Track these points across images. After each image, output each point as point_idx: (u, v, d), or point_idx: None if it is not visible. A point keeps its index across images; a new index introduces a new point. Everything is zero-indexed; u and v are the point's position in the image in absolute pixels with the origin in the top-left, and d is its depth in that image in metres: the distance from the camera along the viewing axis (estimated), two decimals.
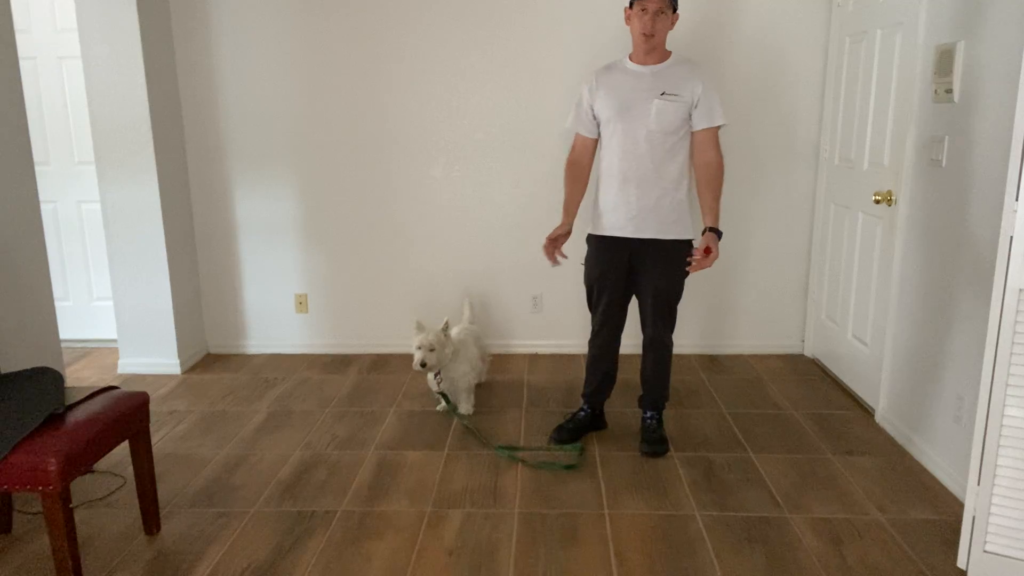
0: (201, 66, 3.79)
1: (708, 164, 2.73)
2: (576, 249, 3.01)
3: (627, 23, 2.74)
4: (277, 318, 4.08)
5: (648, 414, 2.99)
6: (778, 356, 3.97)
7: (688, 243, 2.79)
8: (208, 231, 3.99)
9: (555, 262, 2.86)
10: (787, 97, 3.72)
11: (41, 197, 3.69)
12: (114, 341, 4.11)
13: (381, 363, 3.94)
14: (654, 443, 2.88)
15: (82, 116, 3.95)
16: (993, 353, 1.97)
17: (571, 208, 2.91)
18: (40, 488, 1.93)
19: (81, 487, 2.67)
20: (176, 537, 2.36)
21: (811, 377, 3.68)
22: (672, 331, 2.91)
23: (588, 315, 3.03)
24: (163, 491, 2.63)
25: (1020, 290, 1.91)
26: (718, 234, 2.70)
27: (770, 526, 2.39)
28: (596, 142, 2.88)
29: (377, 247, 3.98)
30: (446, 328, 3.11)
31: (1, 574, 2.19)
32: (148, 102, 3.53)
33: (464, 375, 3.20)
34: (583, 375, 3.10)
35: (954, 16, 2.61)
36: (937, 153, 2.69)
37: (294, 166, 3.90)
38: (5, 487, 1.94)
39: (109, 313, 4.13)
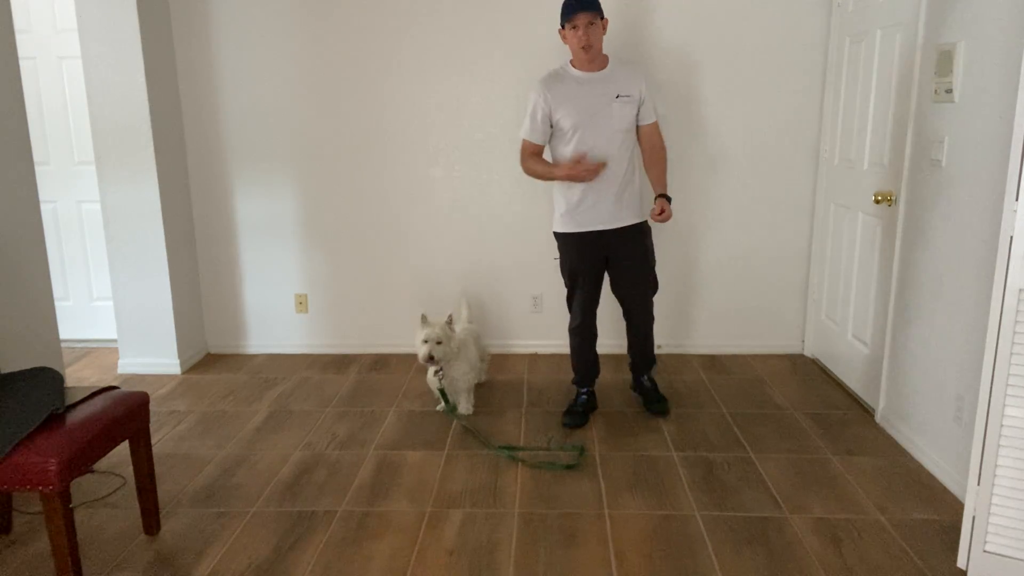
0: (201, 66, 3.79)
1: (655, 148, 3.08)
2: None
3: (564, 42, 2.99)
4: (277, 318, 4.08)
5: (644, 377, 3.26)
6: (778, 356, 3.97)
7: (644, 222, 3.09)
8: (208, 231, 3.99)
9: (597, 167, 2.93)
10: (787, 97, 3.72)
11: (41, 197, 3.65)
12: (114, 341, 4.10)
13: (381, 363, 3.94)
14: (658, 402, 3.21)
15: (82, 116, 3.94)
16: (993, 353, 1.97)
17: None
18: (40, 488, 1.93)
19: (81, 487, 2.67)
20: (176, 537, 2.37)
21: (811, 377, 3.67)
22: (653, 293, 3.17)
23: None
24: (163, 491, 2.63)
25: (1020, 290, 1.91)
26: (667, 199, 3.01)
27: (770, 526, 2.39)
28: (543, 148, 3.11)
29: (377, 247, 3.98)
30: (451, 322, 3.12)
31: (1, 574, 2.19)
32: (148, 102, 3.53)
33: (464, 375, 3.20)
34: None
35: (954, 16, 2.60)
36: (937, 153, 2.69)
37: (294, 166, 3.90)
38: (5, 487, 1.94)
39: (109, 313, 4.12)
